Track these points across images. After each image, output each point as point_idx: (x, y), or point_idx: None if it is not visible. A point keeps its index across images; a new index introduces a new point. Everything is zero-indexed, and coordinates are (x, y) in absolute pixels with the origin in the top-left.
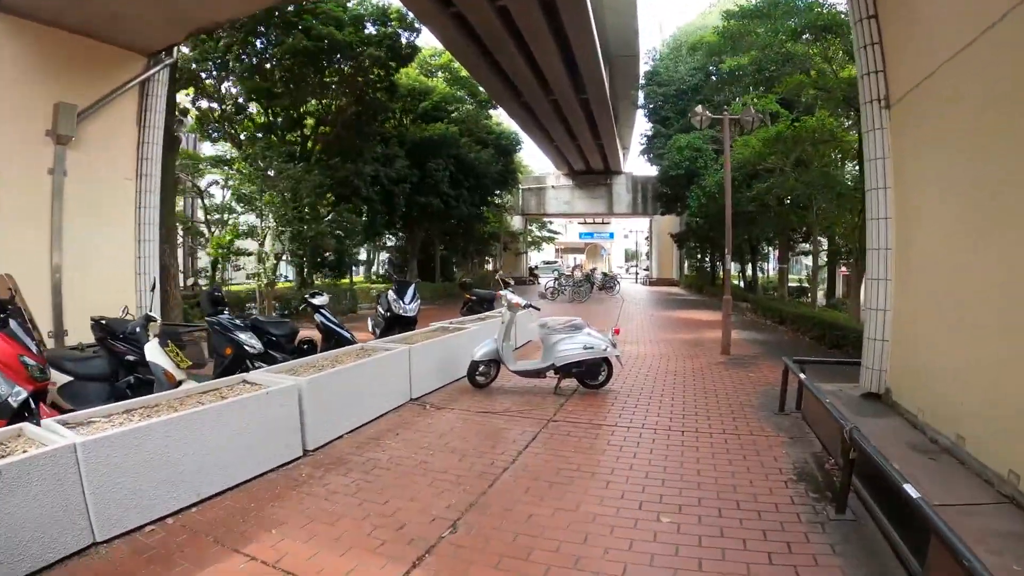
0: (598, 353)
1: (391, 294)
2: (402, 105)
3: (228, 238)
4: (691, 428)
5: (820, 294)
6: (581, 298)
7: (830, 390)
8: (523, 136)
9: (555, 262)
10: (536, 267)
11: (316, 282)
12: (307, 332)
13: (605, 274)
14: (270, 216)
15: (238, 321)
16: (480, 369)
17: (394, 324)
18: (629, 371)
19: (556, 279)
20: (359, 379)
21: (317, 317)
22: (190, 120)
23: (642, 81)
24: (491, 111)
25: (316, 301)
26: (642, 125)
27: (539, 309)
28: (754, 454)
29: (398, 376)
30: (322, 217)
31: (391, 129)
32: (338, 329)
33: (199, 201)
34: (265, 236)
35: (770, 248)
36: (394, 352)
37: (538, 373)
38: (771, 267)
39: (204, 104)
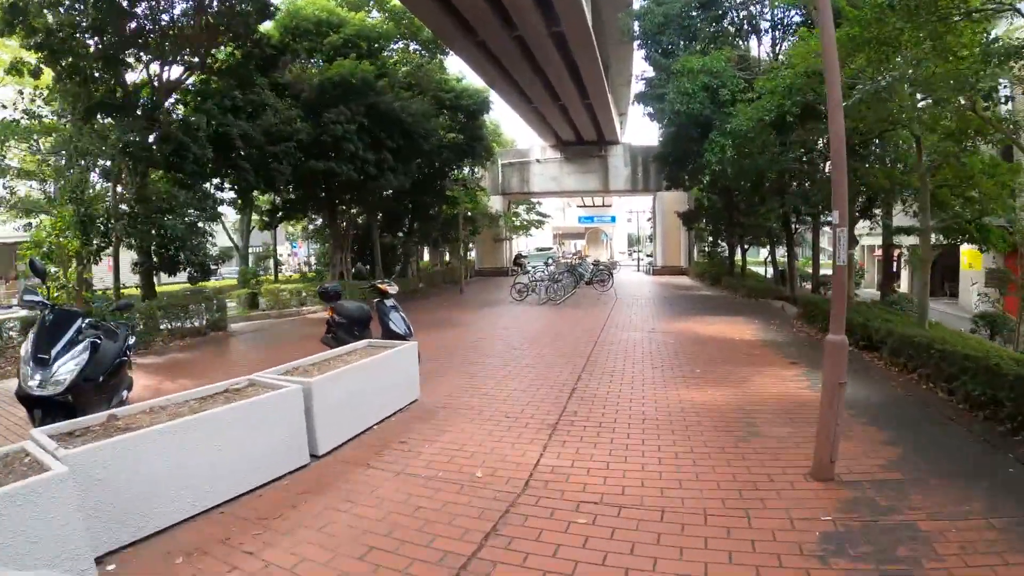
0: None
1: (28, 343)
2: (309, 45)
3: (45, 231)
4: None
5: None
6: (558, 298)
7: None
8: (496, 99)
9: (549, 248)
10: (524, 255)
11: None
12: None
13: (597, 263)
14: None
15: None
16: None
17: (32, 407)
18: None
19: (531, 271)
20: None
21: None
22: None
23: (638, 3)
24: (445, 59)
25: None
26: (640, 67)
27: None
28: None
29: None
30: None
31: (296, 77)
32: None
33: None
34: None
35: (800, 227)
36: None
37: None
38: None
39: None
